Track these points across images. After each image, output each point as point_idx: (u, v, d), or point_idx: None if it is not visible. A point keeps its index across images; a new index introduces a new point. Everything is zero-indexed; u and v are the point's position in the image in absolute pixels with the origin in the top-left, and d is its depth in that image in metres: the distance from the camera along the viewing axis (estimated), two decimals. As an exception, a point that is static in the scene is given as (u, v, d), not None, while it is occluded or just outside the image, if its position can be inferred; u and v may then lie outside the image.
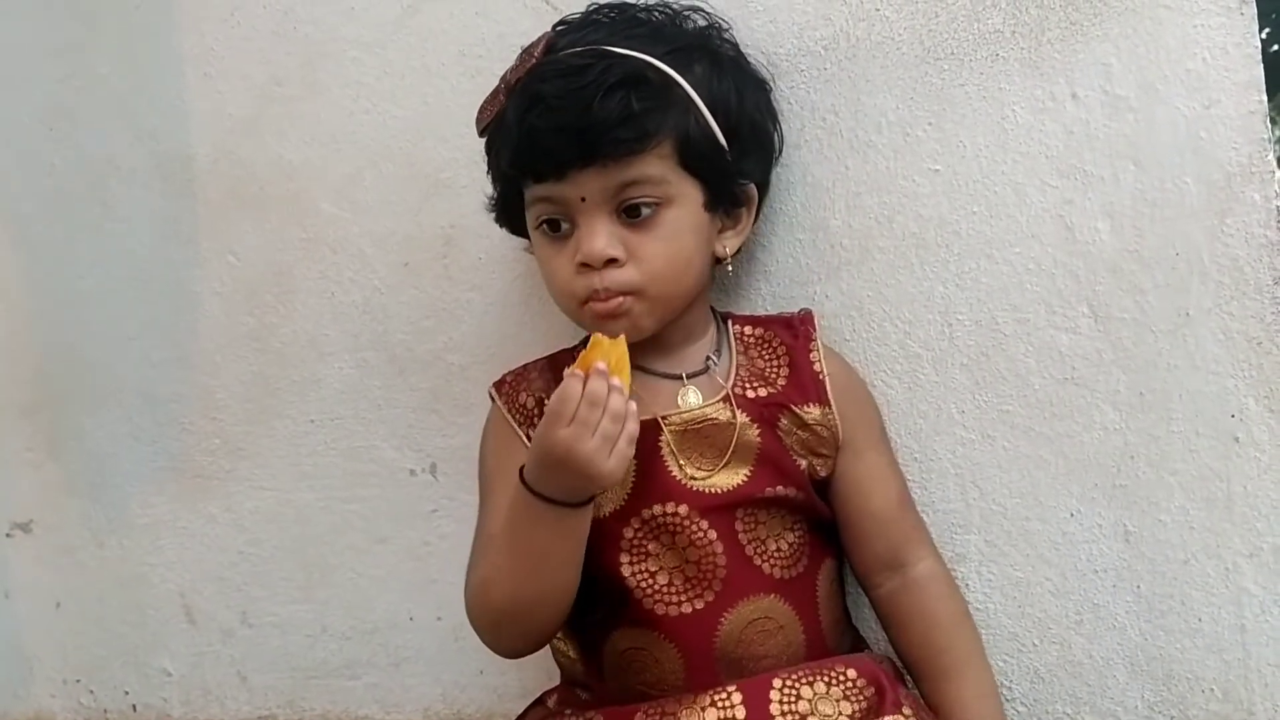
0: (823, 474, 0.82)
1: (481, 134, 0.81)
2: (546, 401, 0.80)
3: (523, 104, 0.77)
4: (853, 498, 0.83)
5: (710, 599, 0.79)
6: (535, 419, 0.83)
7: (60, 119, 1.08)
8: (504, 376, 0.88)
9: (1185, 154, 0.80)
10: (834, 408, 0.81)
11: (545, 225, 0.80)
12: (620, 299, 0.78)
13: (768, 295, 0.90)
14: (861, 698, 0.74)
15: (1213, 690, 0.83)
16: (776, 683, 0.74)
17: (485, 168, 0.85)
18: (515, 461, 0.82)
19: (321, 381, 1.03)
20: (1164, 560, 0.84)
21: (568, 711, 0.84)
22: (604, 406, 0.71)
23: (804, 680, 0.75)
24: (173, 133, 1.04)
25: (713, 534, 0.79)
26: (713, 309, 0.86)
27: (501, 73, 0.83)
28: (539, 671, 0.98)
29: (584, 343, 0.88)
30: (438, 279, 0.99)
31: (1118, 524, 0.84)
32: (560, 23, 0.83)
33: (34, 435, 1.13)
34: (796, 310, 0.86)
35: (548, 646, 0.88)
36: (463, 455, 0.99)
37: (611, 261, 0.77)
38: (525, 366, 0.88)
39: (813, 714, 0.73)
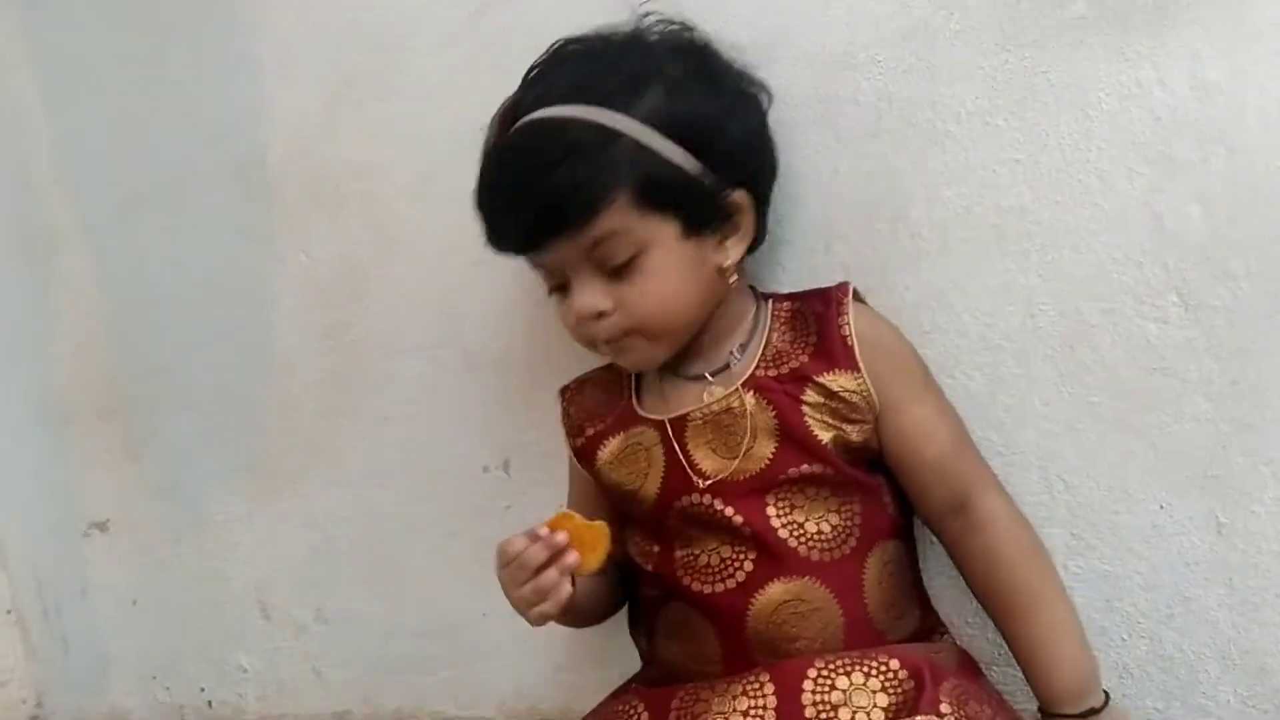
0: (858, 440, 0.81)
1: (475, 207, 0.82)
2: (584, 418, 0.87)
3: (481, 191, 0.80)
4: (907, 453, 0.82)
5: (741, 579, 0.80)
6: (576, 434, 0.88)
7: (135, 125, 1.09)
8: (570, 382, 0.92)
9: (1277, 137, 0.78)
10: (864, 371, 0.81)
11: (553, 290, 0.83)
12: (624, 338, 0.81)
13: (846, 288, 0.89)
14: (900, 690, 0.73)
15: (1308, 685, 0.82)
16: (811, 672, 0.75)
17: None
18: (573, 469, 0.91)
19: (394, 379, 1.04)
20: (1258, 552, 0.82)
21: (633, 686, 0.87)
22: (531, 574, 0.77)
23: (841, 670, 0.75)
24: (246, 135, 1.05)
25: (739, 519, 0.80)
26: (755, 291, 0.87)
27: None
28: (614, 667, 0.98)
29: None
30: (510, 276, 0.99)
31: (1209, 516, 0.83)
32: (533, 66, 0.84)
33: (112, 437, 1.15)
34: (836, 284, 0.84)
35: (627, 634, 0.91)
36: (535, 451, 1.00)
37: (602, 313, 0.80)
38: (588, 377, 0.91)
39: (845, 704, 0.73)
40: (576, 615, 0.85)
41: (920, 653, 0.77)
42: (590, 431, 0.87)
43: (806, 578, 0.80)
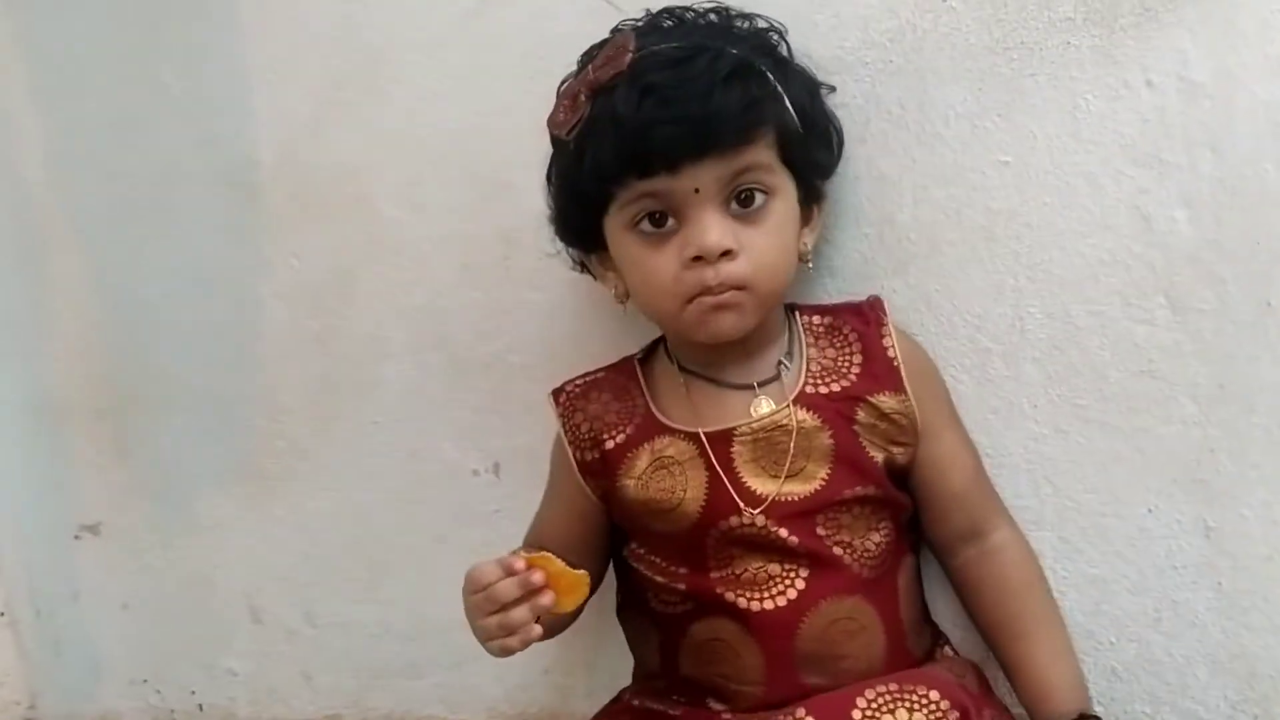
0: (903, 462, 0.82)
1: (567, 136, 0.78)
2: (600, 429, 0.83)
3: (632, 96, 0.74)
4: (934, 479, 0.82)
5: (793, 596, 0.78)
6: (588, 447, 0.84)
7: (125, 126, 1.09)
8: (564, 386, 0.87)
9: (1265, 140, 0.78)
10: (910, 395, 0.81)
11: (646, 221, 0.77)
12: (732, 291, 0.77)
13: (834, 291, 0.89)
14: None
15: (1298, 689, 0.82)
16: (856, 714, 0.73)
17: (546, 176, 0.84)
18: (565, 483, 0.86)
19: (383, 383, 1.04)
20: (1246, 556, 0.82)
21: (635, 703, 0.85)
22: (500, 607, 0.73)
23: (886, 708, 0.73)
24: (236, 138, 1.05)
25: (794, 539, 0.78)
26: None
27: (565, 74, 0.83)
28: (603, 672, 0.98)
29: (648, 349, 0.88)
30: (498, 280, 0.99)
31: (1197, 519, 0.83)
32: (617, 29, 0.82)
33: (102, 439, 1.15)
34: (865, 297, 0.85)
35: (622, 636, 0.89)
36: (525, 455, 0.99)
37: (725, 254, 0.76)
38: (586, 382, 0.87)
39: None
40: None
41: (952, 680, 0.77)
42: (610, 445, 0.83)
43: (857, 595, 0.79)
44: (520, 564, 0.73)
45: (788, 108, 0.78)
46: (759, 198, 0.77)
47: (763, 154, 0.76)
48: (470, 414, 1.02)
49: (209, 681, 1.14)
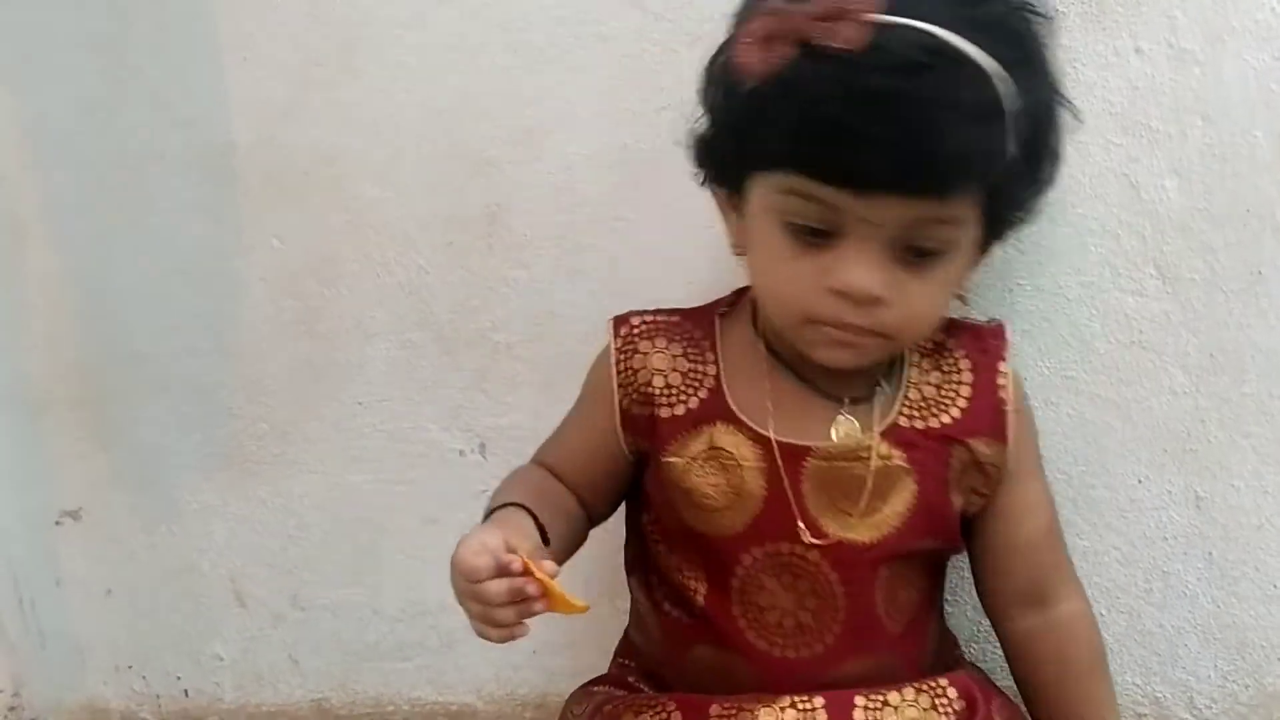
0: (973, 512, 0.73)
1: (759, 82, 0.61)
2: (658, 390, 0.72)
3: (851, 96, 0.59)
4: (1000, 528, 0.74)
5: (820, 650, 0.71)
6: (637, 399, 0.73)
7: (98, 111, 1.07)
8: (629, 316, 0.75)
9: (1255, 107, 0.78)
10: (1010, 443, 0.71)
11: (798, 224, 0.64)
12: (870, 336, 0.66)
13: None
14: (951, 709, 0.70)
15: (1289, 658, 0.82)
16: (860, 700, 0.69)
17: (700, 93, 0.69)
18: (599, 418, 0.75)
19: (368, 364, 1.03)
20: (1237, 526, 0.82)
21: (633, 685, 0.82)
22: (484, 604, 0.63)
23: (891, 685, 0.70)
24: (212, 121, 1.03)
25: (841, 588, 0.70)
26: None
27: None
28: (593, 651, 0.97)
29: (732, 302, 0.76)
30: (483, 258, 0.98)
31: (1188, 489, 0.83)
32: None
33: (82, 427, 1.13)
34: (987, 319, 0.75)
35: (611, 617, 0.88)
36: (511, 434, 0.99)
37: (878, 300, 0.64)
38: (656, 322, 0.74)
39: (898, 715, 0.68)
40: None
41: (966, 676, 0.74)
42: (665, 414, 0.71)
43: (890, 653, 0.72)
44: (517, 565, 0.62)
45: (1014, 154, 0.62)
46: (930, 250, 0.64)
47: (960, 207, 0.64)
48: (456, 394, 1.01)
49: (195, 667, 1.13)
